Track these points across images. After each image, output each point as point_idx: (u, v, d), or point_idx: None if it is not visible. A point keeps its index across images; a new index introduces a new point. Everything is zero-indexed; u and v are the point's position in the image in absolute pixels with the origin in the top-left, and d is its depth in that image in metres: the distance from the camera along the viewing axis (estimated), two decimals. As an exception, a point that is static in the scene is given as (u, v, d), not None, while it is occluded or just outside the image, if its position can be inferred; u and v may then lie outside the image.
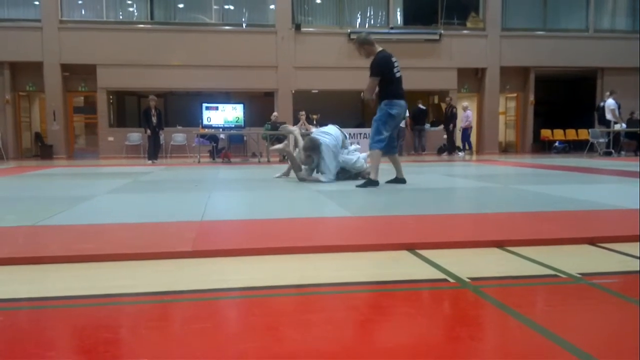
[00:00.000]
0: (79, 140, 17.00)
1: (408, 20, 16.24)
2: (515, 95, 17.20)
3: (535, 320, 1.50)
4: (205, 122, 11.88)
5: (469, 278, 1.92)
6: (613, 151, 13.21)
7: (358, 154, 6.00)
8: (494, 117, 16.60)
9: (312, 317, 1.59)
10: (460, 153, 14.65)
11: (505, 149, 17.71)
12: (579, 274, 1.98)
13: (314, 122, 13.11)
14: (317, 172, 5.87)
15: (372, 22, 16.09)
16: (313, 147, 5.70)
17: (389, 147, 5.34)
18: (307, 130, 11.19)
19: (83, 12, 15.07)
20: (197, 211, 3.51)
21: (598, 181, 6.10)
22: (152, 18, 15.29)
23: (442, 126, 15.43)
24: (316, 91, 15.97)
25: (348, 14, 15.82)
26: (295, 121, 13.37)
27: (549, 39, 16.30)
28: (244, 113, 12.14)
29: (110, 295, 1.79)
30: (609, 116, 13.39)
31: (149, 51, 14.61)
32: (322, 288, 1.89)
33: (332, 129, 5.98)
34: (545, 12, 16.62)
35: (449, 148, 14.71)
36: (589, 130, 14.31)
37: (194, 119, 13.44)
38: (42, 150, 14.65)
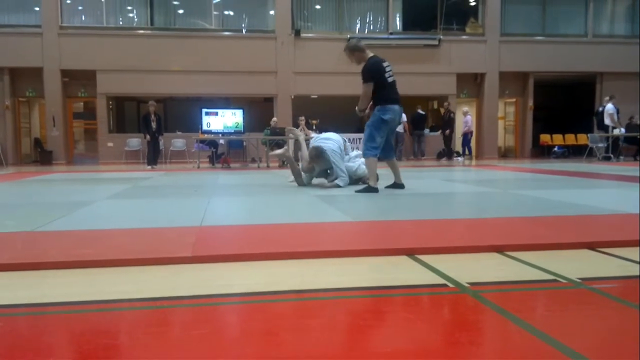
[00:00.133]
0: (78, 146, 17.00)
1: (407, 25, 16.29)
2: (514, 100, 17.24)
3: (534, 325, 1.50)
4: (204, 127, 11.90)
5: (468, 283, 1.92)
6: (612, 156, 13.23)
7: (359, 161, 5.97)
8: (493, 122, 16.63)
9: (312, 322, 1.59)
10: (459, 158, 14.66)
11: (505, 154, 17.73)
12: (579, 278, 1.98)
13: (314, 128, 13.13)
14: (332, 179, 5.76)
15: (371, 27, 16.14)
16: (317, 155, 5.67)
17: (386, 152, 5.31)
18: (307, 135, 11.20)
19: (83, 18, 15.11)
20: (197, 216, 3.51)
21: (597, 186, 6.11)
22: (152, 24, 15.33)
23: (440, 131, 15.46)
24: (315, 96, 16.00)
25: (347, 19, 15.87)
26: (295, 127, 13.38)
27: (547, 44, 16.35)
28: (243, 118, 12.16)
29: (109, 301, 1.78)
30: (607, 121, 13.42)
31: (148, 57, 14.65)
32: (322, 293, 1.89)
33: (332, 135, 6.00)
34: (544, 17, 16.68)
35: (448, 153, 14.72)
36: (588, 135, 14.33)
37: (193, 125, 13.45)
38: (42, 156, 14.65)
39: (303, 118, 12.95)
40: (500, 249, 2.43)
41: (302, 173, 5.95)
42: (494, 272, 2.15)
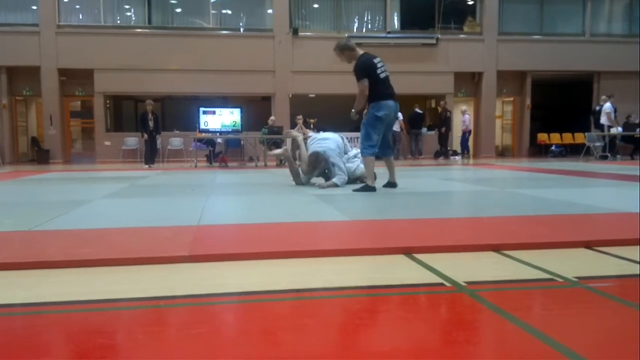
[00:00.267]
0: (75, 145, 16.97)
1: (405, 24, 16.28)
2: (512, 99, 17.25)
3: (531, 323, 1.51)
4: (202, 126, 11.87)
5: (465, 282, 1.92)
6: (609, 155, 13.25)
7: (358, 161, 5.94)
8: (491, 121, 16.64)
9: (309, 321, 1.59)
10: (456, 157, 14.68)
11: (502, 152, 17.74)
12: (576, 277, 1.98)
13: (312, 127, 13.13)
14: (329, 179, 5.70)
15: (369, 26, 16.14)
16: (317, 159, 5.66)
17: (384, 150, 5.28)
18: (304, 134, 11.20)
19: (80, 17, 15.07)
20: (194, 215, 3.51)
21: (594, 185, 6.13)
22: (149, 23, 15.31)
23: (436, 130, 15.48)
24: (313, 95, 15.99)
25: (345, 18, 15.87)
26: (293, 125, 13.39)
27: (545, 43, 16.36)
28: (241, 117, 12.14)
29: (107, 300, 1.78)
30: (603, 120, 13.45)
31: (146, 56, 14.62)
32: (319, 292, 1.89)
33: (330, 134, 6.00)
34: (541, 16, 16.69)
35: (444, 152, 14.73)
36: (586, 134, 14.36)
37: (191, 123, 13.43)
38: (39, 154, 14.61)
39: (301, 117, 12.95)
40: (497, 248, 2.43)
41: (301, 173, 5.95)
42: (491, 271, 2.15)
